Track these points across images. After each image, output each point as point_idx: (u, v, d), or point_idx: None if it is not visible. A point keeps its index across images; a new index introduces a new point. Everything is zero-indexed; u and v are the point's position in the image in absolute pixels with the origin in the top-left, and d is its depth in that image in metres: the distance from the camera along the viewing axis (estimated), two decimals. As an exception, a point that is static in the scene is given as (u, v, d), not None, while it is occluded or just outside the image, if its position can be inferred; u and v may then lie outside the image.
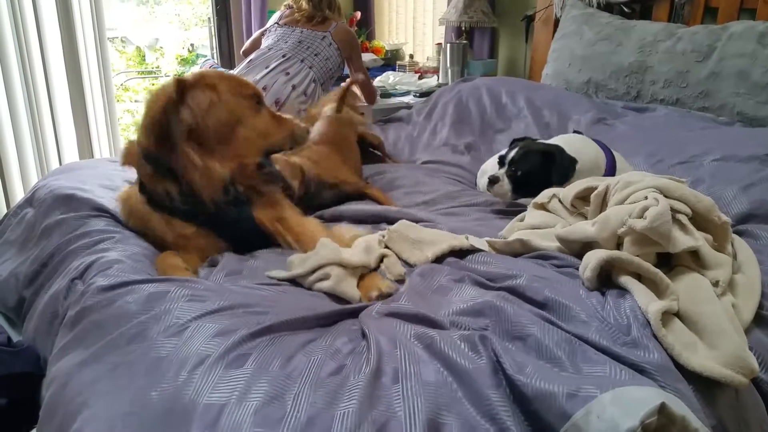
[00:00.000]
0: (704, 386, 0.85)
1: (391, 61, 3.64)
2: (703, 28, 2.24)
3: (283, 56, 2.50)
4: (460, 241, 1.20)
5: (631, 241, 1.00)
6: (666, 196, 1.05)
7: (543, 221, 1.25)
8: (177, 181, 1.25)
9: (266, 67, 2.47)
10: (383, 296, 1.07)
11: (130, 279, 1.06)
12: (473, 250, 1.18)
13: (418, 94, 3.03)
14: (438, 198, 1.60)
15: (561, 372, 0.79)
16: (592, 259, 1.00)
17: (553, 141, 1.69)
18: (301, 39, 2.57)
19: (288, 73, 2.45)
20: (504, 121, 2.20)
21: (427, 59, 3.59)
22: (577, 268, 1.10)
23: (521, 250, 1.20)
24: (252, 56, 2.58)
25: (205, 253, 1.32)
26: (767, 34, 2.06)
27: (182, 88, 1.20)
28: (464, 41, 3.14)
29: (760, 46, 2.06)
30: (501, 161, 1.64)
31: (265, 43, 2.65)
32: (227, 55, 3.80)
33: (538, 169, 1.54)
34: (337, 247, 1.19)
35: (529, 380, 0.76)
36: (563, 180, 1.49)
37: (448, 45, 3.13)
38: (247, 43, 2.89)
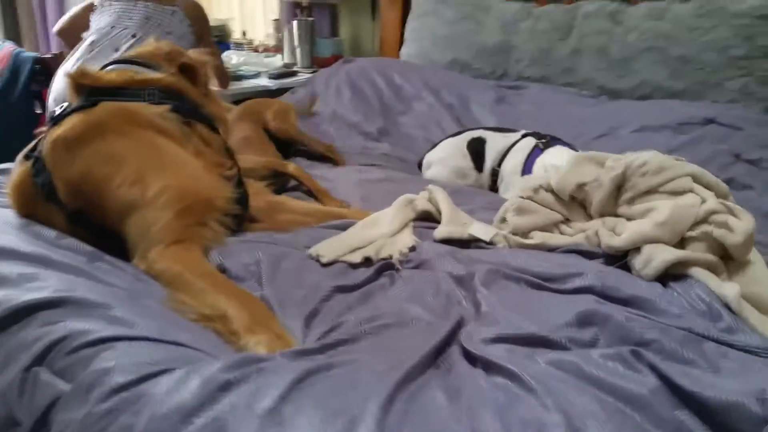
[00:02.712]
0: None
1: (221, 38, 3.31)
2: (556, 7, 2.39)
3: (133, 36, 2.13)
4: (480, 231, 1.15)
5: (705, 246, 1.02)
6: (695, 181, 1.10)
7: (533, 221, 1.21)
8: None
9: (116, 50, 2.08)
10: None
11: (159, 359, 0.80)
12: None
13: (274, 76, 2.80)
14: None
15: (714, 374, 0.78)
16: (658, 257, 1.00)
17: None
18: (148, 15, 2.20)
19: (143, 57, 2.08)
20: (404, 103, 2.13)
21: (266, 36, 3.34)
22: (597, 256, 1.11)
23: (540, 249, 1.16)
24: (93, 37, 2.14)
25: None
26: (618, 13, 2.26)
27: None
28: (311, 18, 2.97)
29: (613, 24, 2.26)
30: None
31: (100, 20, 2.22)
32: (14, 33, 3.14)
33: None
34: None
35: (707, 391, 0.73)
36: None
37: (295, 22, 2.94)
38: (64, 21, 2.40)
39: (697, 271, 1.00)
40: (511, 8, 2.46)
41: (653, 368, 0.77)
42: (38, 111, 2.53)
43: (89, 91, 1.18)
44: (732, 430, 0.71)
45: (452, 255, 1.11)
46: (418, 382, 0.77)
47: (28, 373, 0.83)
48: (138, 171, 1.10)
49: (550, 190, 1.23)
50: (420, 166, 1.82)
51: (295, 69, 2.96)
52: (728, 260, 1.05)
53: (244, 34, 3.41)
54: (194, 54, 1.36)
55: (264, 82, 2.74)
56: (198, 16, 2.33)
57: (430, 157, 1.78)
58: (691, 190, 1.11)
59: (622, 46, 2.22)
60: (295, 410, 0.71)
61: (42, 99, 2.48)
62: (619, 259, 1.10)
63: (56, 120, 1.18)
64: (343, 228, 1.25)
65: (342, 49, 3.11)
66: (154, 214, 1.07)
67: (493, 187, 1.65)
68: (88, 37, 2.18)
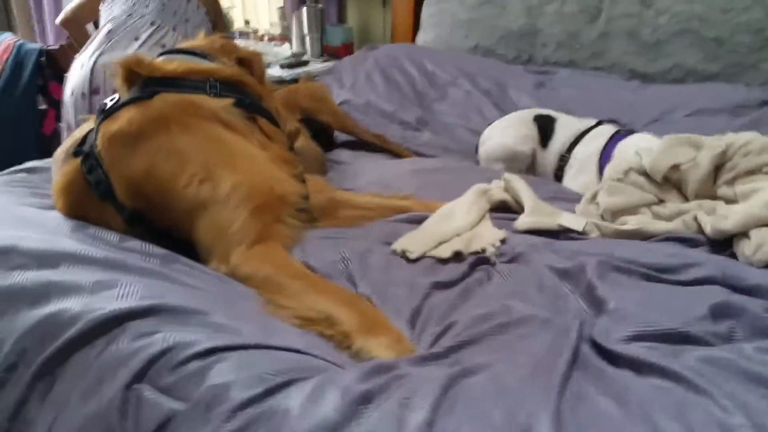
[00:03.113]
0: None
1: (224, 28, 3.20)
2: (583, -10, 2.34)
3: (152, 24, 2.02)
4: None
5: None
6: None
7: (626, 200, 1.17)
8: None
9: (136, 39, 1.97)
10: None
11: (279, 369, 0.72)
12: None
13: (286, 66, 2.70)
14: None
15: None
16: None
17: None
18: (164, 2, 2.09)
19: (164, 45, 1.99)
20: (438, 90, 2.05)
21: (271, 25, 3.23)
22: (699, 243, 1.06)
23: (636, 236, 1.10)
24: (109, 26, 2.03)
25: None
26: (648, -6, 2.22)
27: None
28: (320, 5, 2.88)
29: (643, 7, 2.22)
30: None
31: (113, 10, 2.11)
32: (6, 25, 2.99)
33: None
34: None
35: None
36: None
37: (305, 9, 2.84)
38: (68, 11, 2.27)
39: (815, 257, 0.96)
40: (538, -10, 2.39)
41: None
42: (42, 106, 2.40)
43: (145, 82, 1.09)
44: None
45: (549, 247, 1.05)
46: (573, 387, 0.70)
47: (129, 392, 0.74)
48: (206, 167, 1.01)
49: (641, 172, 1.18)
50: (477, 148, 1.73)
51: (305, 58, 2.87)
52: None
53: (247, 23, 3.30)
54: (246, 47, 1.28)
55: (276, 72, 2.64)
56: (212, 2, 2.24)
57: (486, 133, 1.69)
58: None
59: (654, 29, 2.16)
60: (454, 423, 0.64)
61: (47, 93, 2.36)
62: (724, 245, 1.05)
63: (108, 113, 1.09)
64: (411, 221, 1.19)
65: (352, 36, 3.02)
66: (229, 214, 0.99)
67: (558, 173, 1.57)
68: (104, 26, 2.07)
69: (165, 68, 1.10)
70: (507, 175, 1.23)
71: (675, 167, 1.16)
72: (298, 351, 0.78)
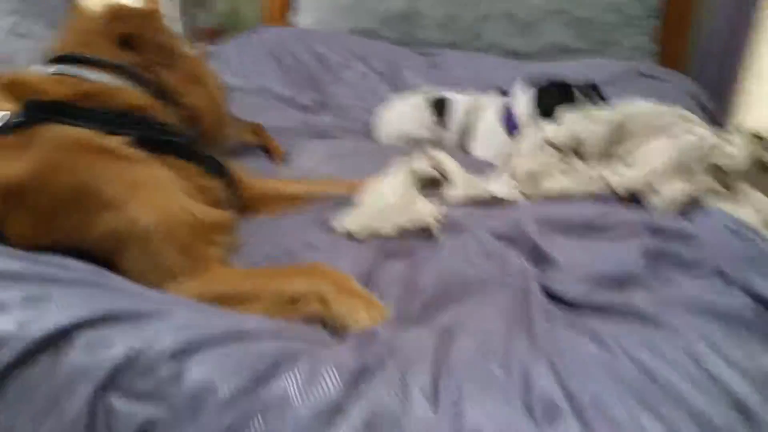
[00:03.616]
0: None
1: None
2: (461, -27, 2.43)
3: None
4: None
5: (711, 177, 1.10)
6: (685, 121, 1.19)
7: (542, 165, 1.24)
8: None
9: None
10: None
11: (259, 357, 0.69)
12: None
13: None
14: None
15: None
16: (678, 191, 1.06)
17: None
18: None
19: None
20: (332, 73, 2.03)
21: (136, 13, 3.01)
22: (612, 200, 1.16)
23: (558, 198, 1.18)
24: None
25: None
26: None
27: None
28: (191, -10, 2.74)
29: (520, -13, 2.35)
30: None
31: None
32: None
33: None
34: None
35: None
36: None
37: (173, -6, 2.69)
38: None
39: (711, 201, 1.08)
40: (415, -26, 2.45)
41: (741, 288, 0.81)
42: None
43: (27, 103, 0.94)
44: None
45: (486, 215, 1.09)
46: (550, 336, 0.74)
47: (96, 405, 0.67)
48: (118, 204, 0.89)
49: (549, 142, 1.26)
50: (374, 127, 1.76)
51: (177, 45, 2.72)
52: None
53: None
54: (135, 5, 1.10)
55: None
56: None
57: (387, 113, 1.72)
58: (684, 129, 1.19)
59: (529, 10, 2.31)
60: (456, 383, 0.65)
61: None
62: (633, 200, 1.15)
63: None
64: (344, 204, 1.18)
65: (222, 20, 2.92)
66: (156, 256, 0.89)
67: (463, 147, 1.64)
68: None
69: (49, 91, 0.95)
70: (432, 152, 1.25)
71: (577, 136, 1.25)
72: (274, 335, 0.75)
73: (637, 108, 1.26)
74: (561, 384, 0.64)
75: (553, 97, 1.47)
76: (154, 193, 0.92)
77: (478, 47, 2.38)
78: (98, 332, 0.72)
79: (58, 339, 0.72)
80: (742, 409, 0.61)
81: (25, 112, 0.93)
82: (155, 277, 0.87)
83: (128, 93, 1.01)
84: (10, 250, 0.88)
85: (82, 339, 0.72)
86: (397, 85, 1.98)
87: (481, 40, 2.38)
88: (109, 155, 0.91)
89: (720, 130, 1.20)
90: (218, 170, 1.07)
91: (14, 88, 0.96)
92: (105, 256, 0.90)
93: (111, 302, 0.77)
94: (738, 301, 0.79)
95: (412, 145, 1.61)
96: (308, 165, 1.43)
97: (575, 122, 1.27)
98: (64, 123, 0.91)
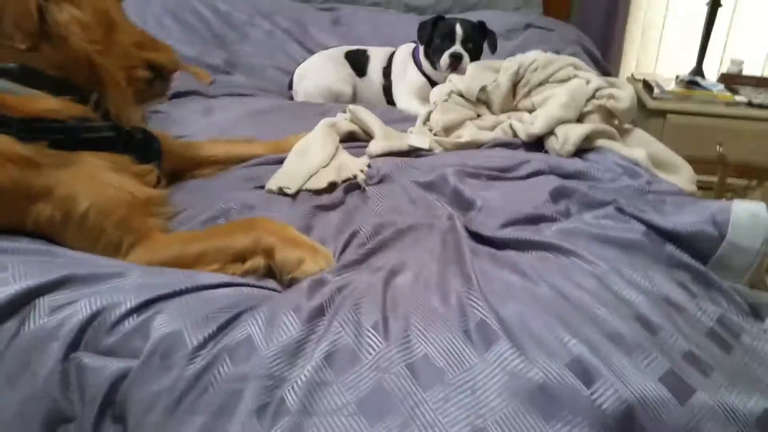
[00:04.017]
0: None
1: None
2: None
3: None
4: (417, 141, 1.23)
5: (599, 118, 1.23)
6: (575, 68, 1.32)
7: (455, 116, 1.34)
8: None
9: None
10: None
11: (220, 306, 0.74)
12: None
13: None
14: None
15: (671, 214, 0.98)
16: (574, 133, 1.19)
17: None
18: None
19: None
20: (237, 31, 2.01)
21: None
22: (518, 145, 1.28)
23: (470, 147, 1.28)
24: None
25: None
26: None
27: None
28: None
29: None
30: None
31: None
32: None
33: (482, 40, 1.67)
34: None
35: (678, 227, 0.92)
36: (496, 46, 1.69)
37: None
38: None
39: (603, 142, 1.22)
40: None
41: (635, 218, 0.95)
42: None
43: None
44: (700, 249, 0.92)
45: (408, 165, 1.17)
46: (477, 269, 0.84)
47: (67, 363, 0.71)
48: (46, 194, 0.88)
49: (459, 94, 1.36)
50: (290, 84, 1.79)
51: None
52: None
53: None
54: None
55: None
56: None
57: (302, 70, 1.76)
58: (575, 76, 1.32)
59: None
60: (403, 315, 0.74)
61: None
62: (536, 145, 1.27)
63: None
64: (270, 163, 1.23)
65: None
66: (96, 233, 0.90)
67: (387, 96, 1.73)
68: None
69: None
70: (351, 107, 1.32)
71: (483, 89, 1.36)
72: (229, 285, 0.80)
73: (530, 58, 1.37)
74: (492, 310, 0.74)
75: (427, 28, 1.67)
76: (84, 178, 0.91)
77: (376, 2, 2.43)
78: (59, 295, 0.76)
79: (20, 305, 0.74)
80: (645, 322, 0.74)
81: None
82: (99, 253, 0.89)
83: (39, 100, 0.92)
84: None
85: (45, 303, 0.75)
86: (305, 42, 2.00)
87: (376, -5, 2.43)
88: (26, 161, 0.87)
89: (607, 76, 1.35)
90: (145, 155, 1.06)
91: None
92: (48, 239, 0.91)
93: (66, 268, 0.79)
94: (634, 231, 0.92)
95: (332, 100, 1.66)
96: (225, 125, 1.45)
97: (480, 74, 1.38)
98: None
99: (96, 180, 0.91)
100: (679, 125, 2.02)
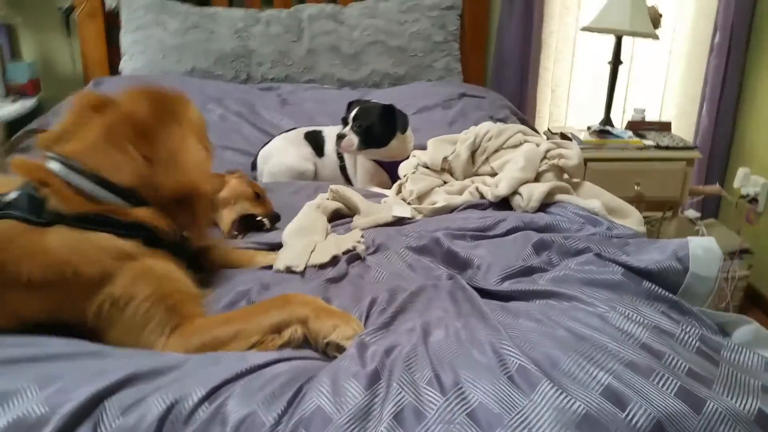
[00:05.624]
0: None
1: None
2: (279, 12, 2.60)
3: None
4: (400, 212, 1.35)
5: (553, 175, 1.40)
6: (525, 134, 1.49)
7: (426, 185, 1.47)
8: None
9: None
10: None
11: (279, 383, 0.80)
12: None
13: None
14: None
15: (637, 255, 1.14)
16: (536, 191, 1.35)
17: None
18: None
19: None
20: (190, 118, 2.06)
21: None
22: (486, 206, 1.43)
23: (445, 211, 1.41)
24: None
25: None
26: (337, 13, 2.59)
27: None
28: (-3, 41, 2.54)
29: (337, 23, 2.58)
30: (344, 121, 1.75)
31: None
32: None
33: (380, 121, 1.72)
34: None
35: (650, 266, 1.07)
36: (406, 126, 1.76)
37: (-23, 47, 2.47)
38: None
39: (561, 196, 1.39)
40: (236, 15, 2.55)
41: (612, 261, 1.10)
42: None
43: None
44: (670, 282, 1.07)
45: (398, 233, 1.27)
46: (493, 321, 0.95)
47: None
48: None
49: (424, 165, 1.50)
50: (254, 165, 1.86)
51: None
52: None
53: None
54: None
55: None
56: None
57: (266, 151, 1.84)
58: (526, 141, 1.50)
59: (351, 42, 2.55)
60: (453, 371, 0.83)
61: None
62: (503, 204, 1.42)
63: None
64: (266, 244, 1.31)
65: (37, 71, 2.75)
66: (152, 313, 0.96)
67: (343, 173, 1.83)
68: None
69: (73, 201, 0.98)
70: (333, 187, 1.41)
71: (445, 159, 1.52)
72: (278, 361, 0.87)
73: (484, 129, 1.54)
74: (526, 355, 0.84)
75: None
76: (157, 268, 0.99)
77: (311, 79, 2.57)
78: (125, 395, 0.78)
79: (89, 409, 0.77)
80: (649, 350, 0.87)
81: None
82: (145, 336, 0.93)
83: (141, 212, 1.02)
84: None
85: (114, 404, 0.77)
86: (257, 124, 2.09)
87: (313, 72, 2.57)
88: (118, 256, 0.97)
89: (554, 137, 1.54)
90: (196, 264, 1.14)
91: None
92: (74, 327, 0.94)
93: (123, 367, 0.82)
94: (614, 272, 1.07)
95: (297, 178, 1.75)
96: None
97: (440, 147, 1.53)
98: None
99: (164, 271, 0.99)
100: (600, 170, 2.25)
